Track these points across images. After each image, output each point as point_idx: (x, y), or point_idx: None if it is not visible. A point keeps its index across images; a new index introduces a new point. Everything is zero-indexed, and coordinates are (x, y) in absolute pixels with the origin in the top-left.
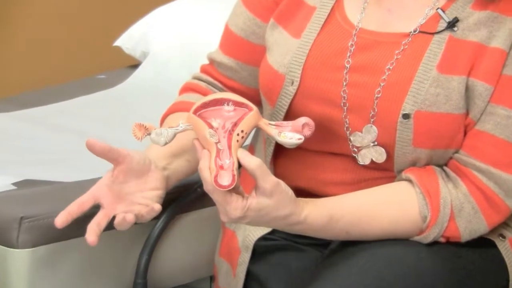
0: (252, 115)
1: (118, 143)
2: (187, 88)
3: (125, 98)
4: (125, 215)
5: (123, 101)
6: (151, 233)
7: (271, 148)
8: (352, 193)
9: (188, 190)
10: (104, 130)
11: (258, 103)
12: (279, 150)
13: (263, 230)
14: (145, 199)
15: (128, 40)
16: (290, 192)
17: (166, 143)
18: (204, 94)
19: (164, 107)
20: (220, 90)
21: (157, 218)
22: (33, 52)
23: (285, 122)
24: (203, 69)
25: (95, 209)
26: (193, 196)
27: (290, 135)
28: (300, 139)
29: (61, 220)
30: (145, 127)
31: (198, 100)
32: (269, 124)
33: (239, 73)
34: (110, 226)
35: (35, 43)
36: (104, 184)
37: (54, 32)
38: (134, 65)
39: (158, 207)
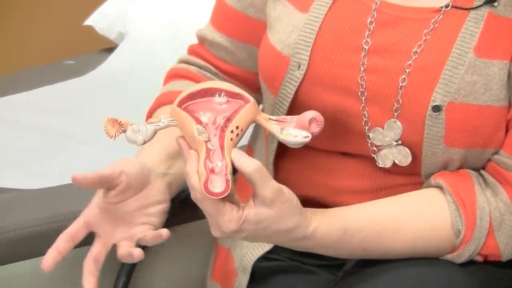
0: (248, 108)
1: (88, 142)
2: (174, 75)
3: (98, 88)
4: (131, 250)
5: (95, 91)
6: None
7: (273, 146)
8: (371, 202)
9: (174, 199)
10: (73, 126)
11: (260, 90)
12: (282, 151)
13: (264, 248)
14: (148, 216)
15: (102, 19)
16: (295, 201)
17: (144, 142)
18: (197, 81)
19: (146, 99)
20: (215, 74)
21: None
22: None
23: (288, 117)
24: (192, 50)
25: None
26: (180, 207)
27: (294, 132)
28: (306, 137)
29: (49, 262)
30: (120, 122)
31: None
32: (269, 119)
33: (235, 54)
34: (81, 242)
35: None
36: (96, 206)
37: (11, 9)
38: (109, 48)
39: (166, 233)
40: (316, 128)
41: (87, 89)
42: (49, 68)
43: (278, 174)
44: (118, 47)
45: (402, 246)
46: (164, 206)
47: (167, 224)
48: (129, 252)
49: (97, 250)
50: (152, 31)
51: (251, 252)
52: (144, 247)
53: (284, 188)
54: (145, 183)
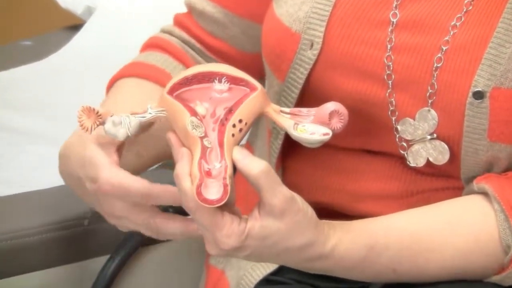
0: (255, 98)
1: (51, 141)
2: (151, 45)
3: (60, 74)
4: None
5: (57, 78)
6: (102, 272)
7: (278, 143)
8: (401, 212)
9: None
10: (32, 121)
11: (257, 76)
12: (289, 148)
13: (266, 269)
14: None
15: None
16: (310, 211)
17: (127, 137)
18: (176, 56)
19: None
20: (199, 52)
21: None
22: None
23: (304, 109)
24: (178, 21)
25: None
26: None
27: (311, 128)
28: (326, 134)
29: None
30: (97, 113)
31: (165, 63)
32: (281, 111)
33: (228, 29)
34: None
35: None
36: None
37: None
38: (75, 26)
39: None
40: (338, 124)
41: (47, 75)
42: (2, 50)
43: (285, 176)
44: (85, 25)
45: (440, 265)
46: None
47: (149, 239)
48: None
49: None
50: (126, 5)
51: (251, 274)
52: (120, 269)
53: (297, 196)
54: None
